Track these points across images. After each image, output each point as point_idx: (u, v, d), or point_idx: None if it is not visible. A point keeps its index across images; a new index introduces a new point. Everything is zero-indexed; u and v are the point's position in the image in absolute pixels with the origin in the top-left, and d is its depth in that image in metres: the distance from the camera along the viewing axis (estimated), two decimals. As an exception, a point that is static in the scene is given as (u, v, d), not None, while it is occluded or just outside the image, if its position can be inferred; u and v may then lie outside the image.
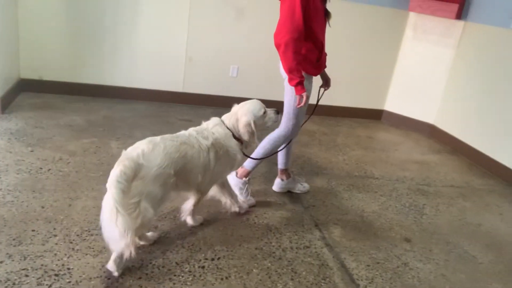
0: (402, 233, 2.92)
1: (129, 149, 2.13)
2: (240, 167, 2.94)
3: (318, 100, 3.02)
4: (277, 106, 2.71)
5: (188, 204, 2.55)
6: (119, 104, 4.52)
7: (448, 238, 2.94)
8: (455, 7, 4.55)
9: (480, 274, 2.60)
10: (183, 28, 4.61)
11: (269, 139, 2.92)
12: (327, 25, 2.80)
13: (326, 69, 3.00)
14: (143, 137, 3.52)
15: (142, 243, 2.33)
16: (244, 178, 2.95)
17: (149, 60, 4.65)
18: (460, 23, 4.71)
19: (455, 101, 4.81)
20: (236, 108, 2.56)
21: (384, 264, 2.54)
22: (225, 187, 2.70)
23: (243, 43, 4.79)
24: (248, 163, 2.93)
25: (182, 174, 2.22)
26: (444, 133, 4.91)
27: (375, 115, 5.49)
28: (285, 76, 2.70)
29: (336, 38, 4.94)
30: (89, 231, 2.40)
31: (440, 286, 2.43)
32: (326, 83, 3.05)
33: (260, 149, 2.91)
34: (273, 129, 2.92)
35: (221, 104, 4.96)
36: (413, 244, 2.80)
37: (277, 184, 3.20)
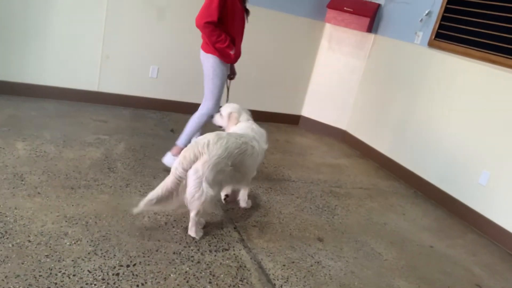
0: (315, 233, 3.06)
1: (200, 137, 2.63)
2: (175, 145, 3.46)
3: (228, 88, 3.66)
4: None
5: (242, 193, 3.12)
6: (27, 103, 4.20)
7: (357, 237, 3.14)
8: (366, 20, 4.88)
9: (385, 269, 2.81)
10: (99, 23, 4.39)
11: (193, 118, 3.43)
12: (246, 21, 3.39)
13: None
14: (52, 138, 3.32)
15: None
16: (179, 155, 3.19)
17: (61, 55, 4.36)
18: (371, 36, 5.05)
19: (364, 109, 5.15)
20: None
21: (298, 263, 2.64)
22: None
23: (164, 44, 4.70)
24: (180, 141, 3.43)
25: (241, 168, 2.74)
26: (355, 139, 5.23)
27: (293, 120, 5.69)
28: (203, 58, 3.31)
29: (258, 45, 5.08)
30: (-11, 240, 2.20)
31: (350, 283, 2.58)
32: (232, 74, 3.69)
33: (188, 128, 3.43)
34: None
35: (139, 105, 4.83)
36: (325, 243, 2.95)
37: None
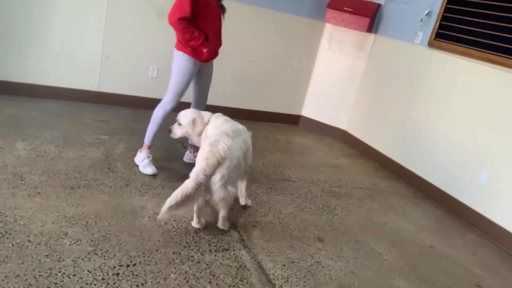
0: (315, 233, 3.06)
1: (211, 142, 2.64)
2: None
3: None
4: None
5: (242, 190, 3.11)
6: (27, 103, 4.20)
7: (357, 237, 3.14)
8: (366, 20, 4.88)
9: (385, 269, 2.81)
10: (99, 23, 4.40)
11: (154, 110, 3.37)
12: (222, 18, 3.35)
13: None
14: (52, 138, 3.32)
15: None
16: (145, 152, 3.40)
17: (62, 55, 4.36)
18: (371, 36, 5.05)
19: (364, 109, 5.15)
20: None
21: (298, 263, 2.64)
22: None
23: (164, 44, 4.67)
24: (146, 139, 3.39)
25: (245, 160, 2.87)
26: (355, 138, 5.23)
27: (293, 120, 5.69)
28: (174, 55, 3.28)
29: (258, 45, 5.09)
30: (-11, 240, 2.21)
31: (350, 283, 2.58)
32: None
33: (149, 124, 3.39)
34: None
35: (139, 105, 4.83)
36: (325, 243, 2.95)
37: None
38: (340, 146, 5.23)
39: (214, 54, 3.36)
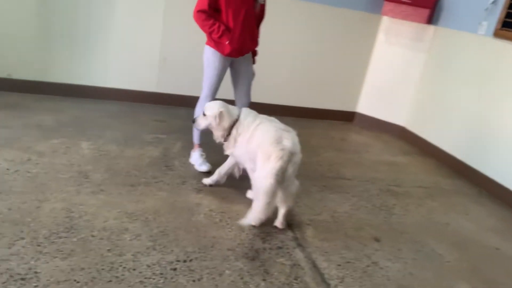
0: (372, 232, 2.98)
1: (272, 140, 2.64)
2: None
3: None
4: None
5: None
6: (90, 104, 4.44)
7: (416, 237, 3.02)
8: (426, 12, 4.67)
9: (446, 271, 2.68)
10: (157, 27, 4.56)
11: (195, 109, 3.39)
12: (255, 9, 3.17)
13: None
14: (113, 137, 3.47)
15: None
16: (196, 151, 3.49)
17: (122, 59, 4.58)
18: (431, 28, 4.83)
19: (424, 104, 4.93)
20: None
21: (354, 264, 2.59)
22: None
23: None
24: (194, 138, 3.49)
25: None
26: (414, 135, 5.03)
27: (348, 117, 5.57)
28: (204, 49, 3.26)
29: (310, 41, 5.03)
30: (57, 234, 2.35)
31: (408, 284, 2.49)
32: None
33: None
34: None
35: (195, 105, 4.94)
36: (382, 244, 2.86)
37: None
38: (397, 143, 5.05)
39: (242, 49, 3.20)
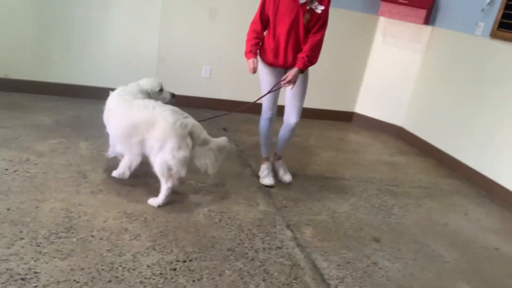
0: (371, 233, 2.98)
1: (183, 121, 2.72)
2: None
3: (270, 90, 3.20)
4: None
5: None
6: (88, 104, 4.42)
7: (416, 238, 3.02)
8: (423, 12, 4.68)
9: (446, 272, 2.69)
10: (155, 27, 4.55)
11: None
12: (304, 19, 3.04)
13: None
14: (113, 137, 3.33)
15: None
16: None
17: (120, 59, 4.57)
18: (428, 28, 4.84)
19: (422, 104, 4.94)
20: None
21: (354, 264, 2.59)
22: None
23: (217, 44, 4.77)
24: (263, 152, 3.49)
25: None
26: (412, 135, 5.04)
27: (346, 117, 5.58)
28: None
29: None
30: (57, 234, 2.34)
31: (408, 285, 2.49)
32: (284, 78, 3.09)
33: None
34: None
35: (193, 104, 4.93)
36: (382, 244, 2.86)
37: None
38: (396, 144, 5.06)
39: (286, 60, 3.14)
